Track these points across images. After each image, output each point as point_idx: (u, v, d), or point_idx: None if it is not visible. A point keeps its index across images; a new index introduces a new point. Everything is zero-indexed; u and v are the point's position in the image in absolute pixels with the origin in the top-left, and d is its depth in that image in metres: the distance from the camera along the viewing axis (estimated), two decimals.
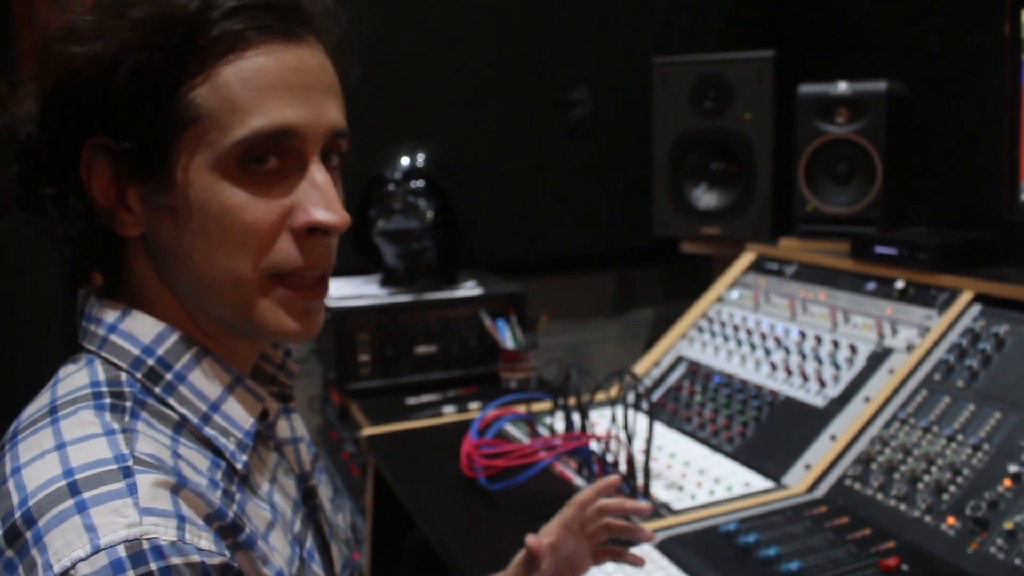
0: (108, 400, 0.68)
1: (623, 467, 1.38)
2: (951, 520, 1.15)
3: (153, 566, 0.57)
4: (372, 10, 2.11)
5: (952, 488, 1.18)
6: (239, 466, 0.73)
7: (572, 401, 1.50)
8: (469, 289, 2.06)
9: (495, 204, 2.32)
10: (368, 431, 1.71)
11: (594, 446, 1.40)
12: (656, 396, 1.73)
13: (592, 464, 1.40)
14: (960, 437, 1.23)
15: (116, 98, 0.66)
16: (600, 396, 1.67)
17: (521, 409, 1.63)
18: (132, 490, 0.60)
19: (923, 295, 1.50)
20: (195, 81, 0.66)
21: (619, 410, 1.44)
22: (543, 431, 1.59)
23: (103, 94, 0.66)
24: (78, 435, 0.64)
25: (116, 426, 0.65)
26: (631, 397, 1.48)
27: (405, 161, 1.99)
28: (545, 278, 2.42)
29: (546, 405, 1.65)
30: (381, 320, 1.96)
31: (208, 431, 0.71)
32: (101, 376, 0.70)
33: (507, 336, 1.97)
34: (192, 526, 0.61)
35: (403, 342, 1.98)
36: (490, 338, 2.00)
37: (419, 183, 1.98)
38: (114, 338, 0.72)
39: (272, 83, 0.67)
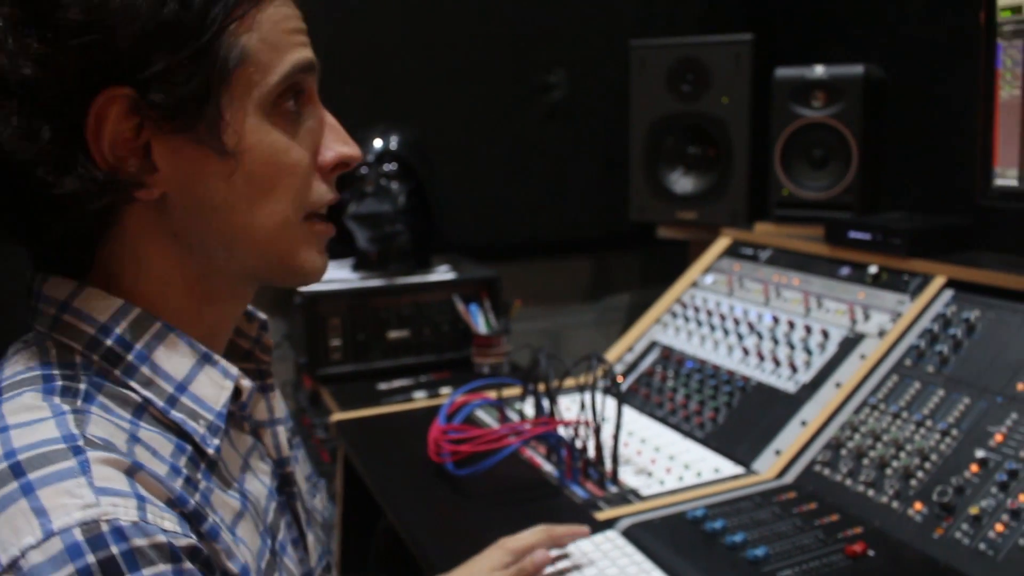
0: (59, 383, 0.63)
1: (591, 453, 1.37)
2: (918, 506, 1.14)
3: (115, 549, 0.53)
4: None
5: (920, 474, 1.17)
6: (210, 451, 0.68)
7: (541, 387, 1.48)
8: (442, 273, 2.04)
9: (471, 188, 2.30)
10: (337, 416, 1.69)
11: (562, 432, 1.39)
12: (629, 382, 1.71)
13: (560, 450, 1.38)
14: (929, 423, 1.22)
15: (161, 40, 0.62)
16: (571, 382, 1.66)
17: (491, 394, 1.61)
18: (85, 468, 0.56)
19: (896, 280, 1.49)
20: (241, 23, 0.66)
21: (588, 395, 1.43)
22: (513, 416, 1.57)
23: (144, 36, 0.61)
24: (23, 419, 0.59)
25: (66, 408, 0.60)
26: (601, 382, 1.46)
27: (378, 144, 1.96)
28: (521, 263, 2.41)
29: (516, 390, 1.63)
30: (352, 305, 1.93)
31: (175, 414, 0.67)
32: (52, 358, 0.65)
33: (480, 321, 1.95)
34: (153, 507, 0.57)
35: (375, 327, 1.95)
36: (463, 323, 1.98)
37: (392, 166, 1.96)
38: (66, 317, 0.67)
39: (293, 26, 0.70)
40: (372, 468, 1.47)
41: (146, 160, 0.65)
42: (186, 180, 0.66)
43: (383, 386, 1.88)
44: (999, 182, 1.40)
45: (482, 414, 1.62)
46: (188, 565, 0.56)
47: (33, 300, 0.69)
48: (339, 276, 2.00)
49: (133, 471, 0.58)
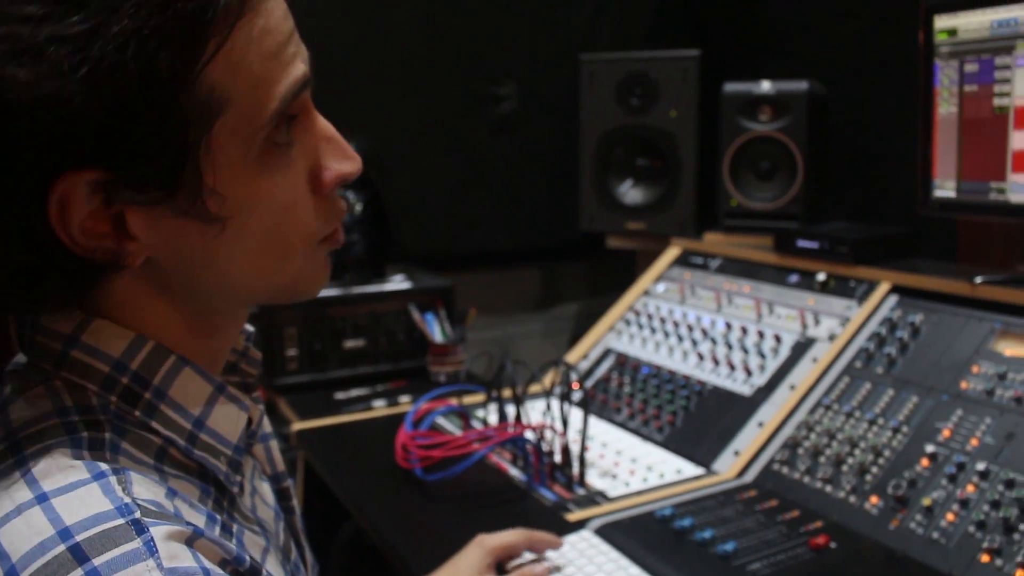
0: (85, 433, 0.57)
1: (558, 456, 1.40)
2: (874, 499, 1.20)
3: None
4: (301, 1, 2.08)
5: (874, 469, 1.23)
6: (235, 489, 0.66)
7: (507, 392, 1.51)
8: (398, 283, 2.04)
9: (422, 198, 2.32)
10: (298, 426, 1.68)
11: (529, 436, 1.41)
12: (585, 388, 1.75)
13: (528, 455, 1.41)
14: (880, 421, 1.29)
15: (119, 117, 0.51)
16: (532, 388, 1.69)
17: (453, 401, 1.63)
18: (151, 549, 0.51)
19: (843, 287, 1.56)
20: (215, 63, 0.54)
21: (552, 400, 1.46)
22: (476, 423, 1.59)
23: (97, 119, 0.51)
24: (61, 483, 0.53)
25: (104, 467, 0.55)
26: (565, 387, 1.49)
27: None
28: (471, 272, 2.43)
29: (478, 398, 1.66)
30: (309, 314, 1.92)
31: (198, 454, 0.63)
32: (68, 401, 0.59)
33: (436, 330, 1.97)
34: None
35: (331, 336, 1.95)
36: (419, 332, 1.99)
37: None
38: (76, 353, 0.61)
39: (278, 41, 0.58)
40: (338, 477, 1.48)
41: (122, 231, 0.57)
42: (170, 245, 0.59)
43: (340, 395, 1.87)
44: (938, 193, 1.49)
45: (443, 421, 1.63)
46: None
47: (27, 330, 0.63)
48: None
49: (193, 540, 0.54)
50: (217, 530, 0.60)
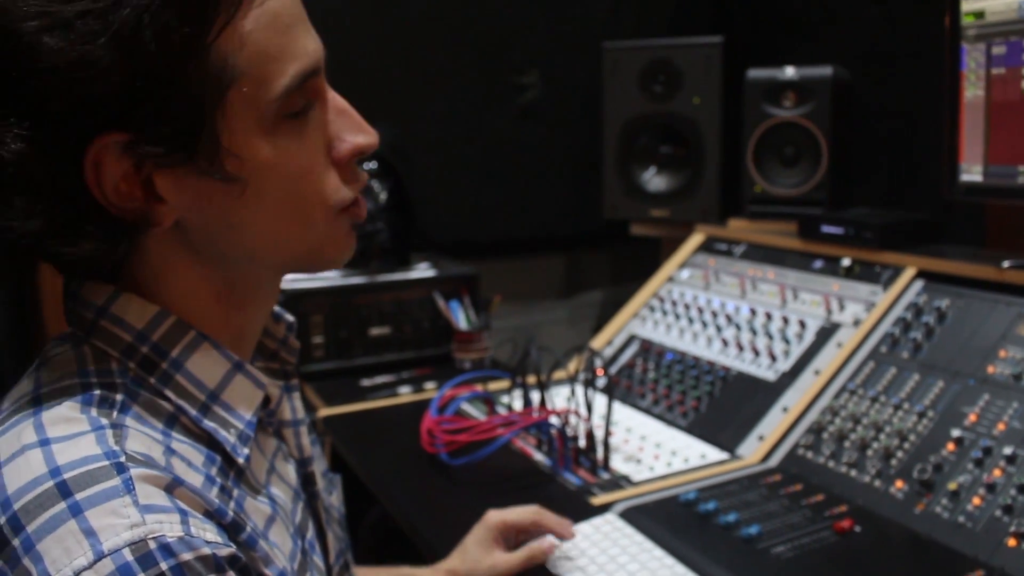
0: (97, 392, 0.63)
1: (582, 441, 1.41)
2: (899, 483, 1.20)
3: (164, 566, 0.54)
4: None
5: (899, 454, 1.23)
6: (241, 460, 0.69)
7: (532, 378, 1.52)
8: (422, 271, 2.06)
9: (446, 186, 2.33)
10: (324, 412, 1.70)
11: (553, 421, 1.42)
12: (610, 374, 1.76)
13: (552, 439, 1.42)
14: (906, 405, 1.29)
15: (140, 79, 0.58)
16: (556, 375, 1.70)
17: (478, 387, 1.64)
18: (129, 487, 0.56)
19: (868, 272, 1.56)
20: (222, 38, 0.60)
21: (577, 386, 1.47)
22: (501, 409, 1.61)
23: (123, 78, 0.57)
24: (63, 432, 0.59)
25: (104, 422, 0.61)
26: (590, 373, 1.50)
27: None
28: (495, 260, 2.44)
29: (503, 384, 1.67)
30: (335, 302, 1.95)
31: (207, 424, 0.67)
32: (90, 364, 0.65)
33: (461, 317, 1.98)
34: (195, 519, 0.58)
35: (357, 324, 1.97)
36: (443, 319, 2.00)
37: (372, 164, 1.98)
38: (104, 323, 0.67)
39: (288, 22, 0.64)
40: (364, 461, 1.49)
41: (152, 194, 0.63)
42: (197, 206, 0.65)
43: (366, 382, 1.89)
44: (964, 178, 1.48)
45: (468, 407, 1.64)
46: (231, 573, 0.58)
47: (70, 302, 0.69)
48: (321, 274, 2.01)
49: (172, 487, 0.59)
50: (215, 491, 0.64)
